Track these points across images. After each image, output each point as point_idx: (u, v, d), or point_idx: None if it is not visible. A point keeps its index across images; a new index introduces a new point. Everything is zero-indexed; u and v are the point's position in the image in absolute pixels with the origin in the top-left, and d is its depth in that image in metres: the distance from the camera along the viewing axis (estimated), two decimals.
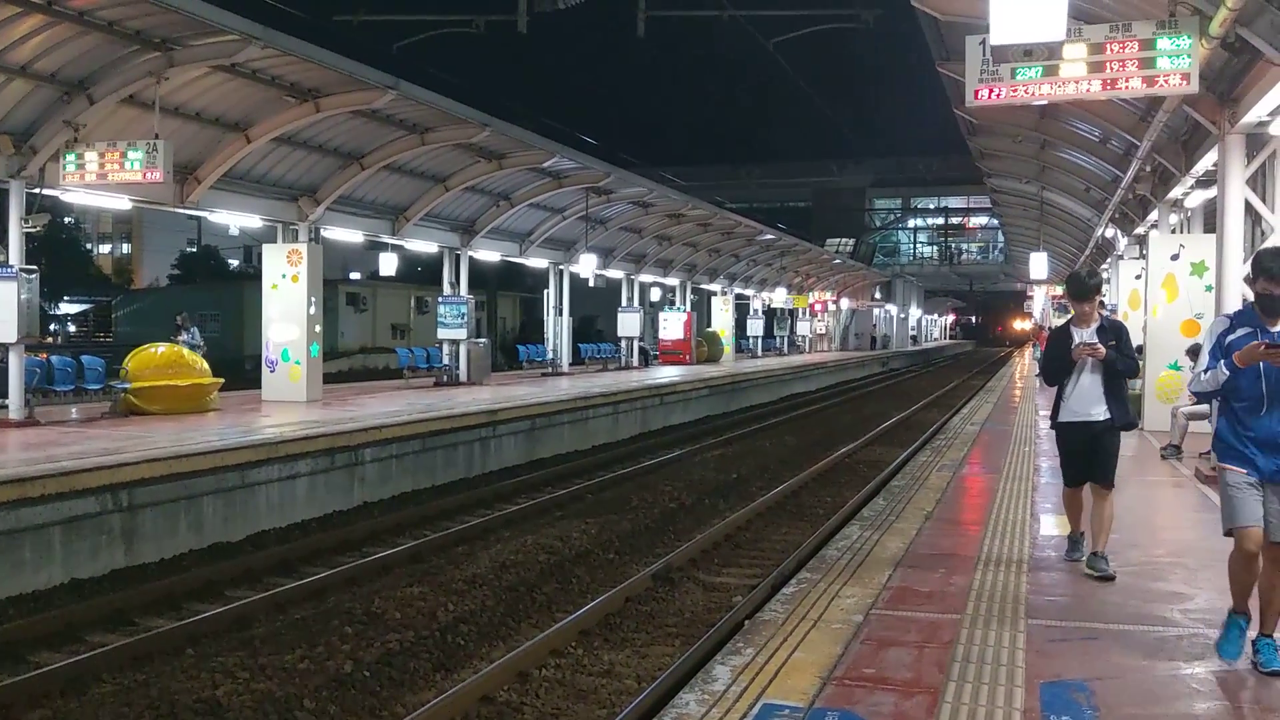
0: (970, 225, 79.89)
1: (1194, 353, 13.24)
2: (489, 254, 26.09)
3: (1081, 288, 7.08)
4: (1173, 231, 16.64)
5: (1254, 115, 9.99)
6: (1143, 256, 17.38)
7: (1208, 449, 11.40)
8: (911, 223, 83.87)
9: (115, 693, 7.38)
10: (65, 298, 60.17)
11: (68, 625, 8.76)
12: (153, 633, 8.53)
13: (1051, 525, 8.92)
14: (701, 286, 42.04)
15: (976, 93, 9.08)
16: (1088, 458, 7.18)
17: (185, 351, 16.52)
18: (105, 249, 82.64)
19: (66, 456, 10.85)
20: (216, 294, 48.71)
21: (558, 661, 7.99)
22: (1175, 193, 15.23)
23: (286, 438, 13.00)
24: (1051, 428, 7.40)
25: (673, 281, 38.46)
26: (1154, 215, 17.18)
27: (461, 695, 7.04)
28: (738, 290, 45.84)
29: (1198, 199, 15.39)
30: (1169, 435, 13.36)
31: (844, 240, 74.05)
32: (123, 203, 16.18)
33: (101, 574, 10.25)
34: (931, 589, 6.67)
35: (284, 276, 18.54)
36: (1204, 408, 12.54)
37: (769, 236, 39.05)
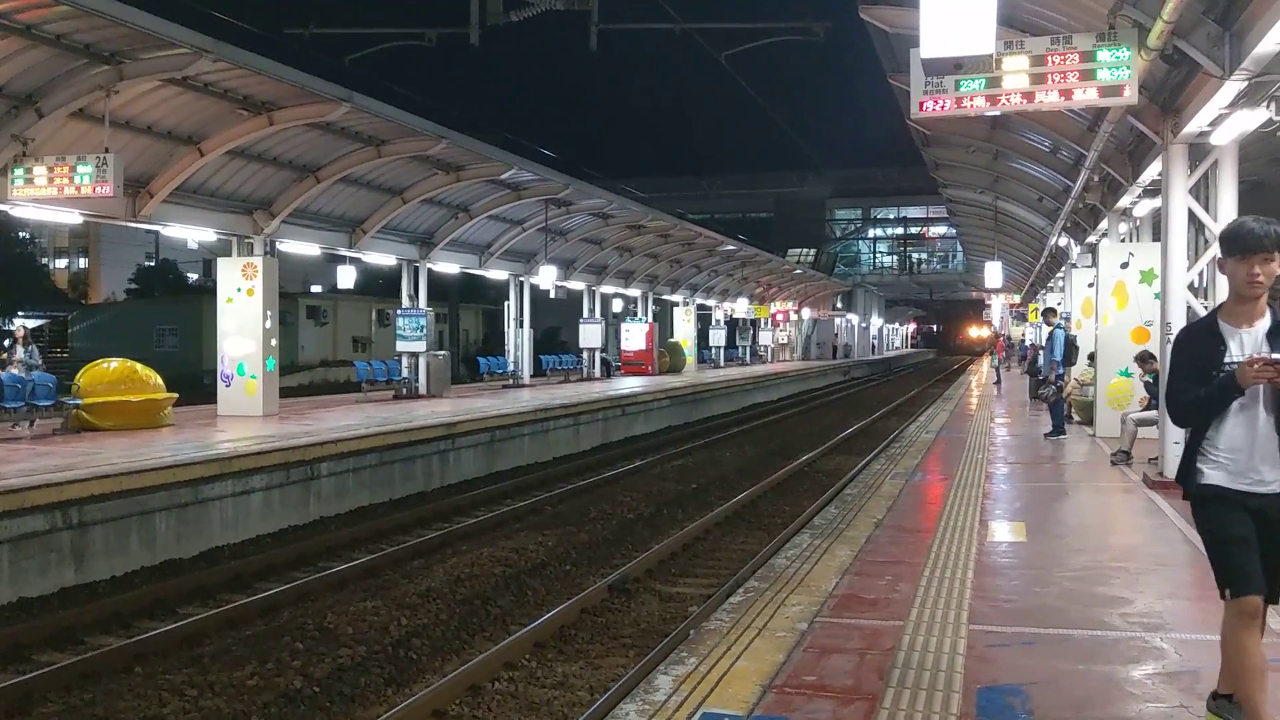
0: (929, 235, 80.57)
1: (1143, 359, 13.51)
2: (448, 266, 26.05)
3: (1251, 239, 4.07)
4: (1122, 240, 16.85)
5: (1195, 125, 10.15)
6: (1094, 265, 17.59)
7: (1156, 455, 11.62)
8: (871, 233, 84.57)
9: (61, 712, 7.32)
10: (20, 313, 59.37)
11: (14, 645, 8.66)
12: (100, 651, 8.44)
13: (1002, 532, 9.02)
14: (663, 297, 42.14)
15: (922, 104, 9.19)
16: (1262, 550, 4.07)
17: (139, 367, 16.35)
18: (61, 263, 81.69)
19: (15, 474, 10.72)
20: (174, 308, 48.26)
21: (511, 674, 7.98)
22: (1124, 202, 15.42)
23: (240, 452, 12.90)
24: (1188, 497, 4.27)
25: (634, 292, 38.53)
26: (1104, 224, 17.39)
27: (412, 709, 7.02)
28: (700, 301, 45.97)
29: (1145, 208, 15.59)
30: (1119, 441, 13.53)
31: (805, 250, 74.45)
32: (73, 217, 16.03)
33: (51, 592, 10.15)
34: (876, 596, 6.73)
35: (239, 290, 18.44)
36: (1152, 414, 12.75)
37: (730, 247, 39.21)
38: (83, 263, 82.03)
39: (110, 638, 9.08)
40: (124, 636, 9.03)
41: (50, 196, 14.00)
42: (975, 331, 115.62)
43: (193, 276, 66.17)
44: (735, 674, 5.17)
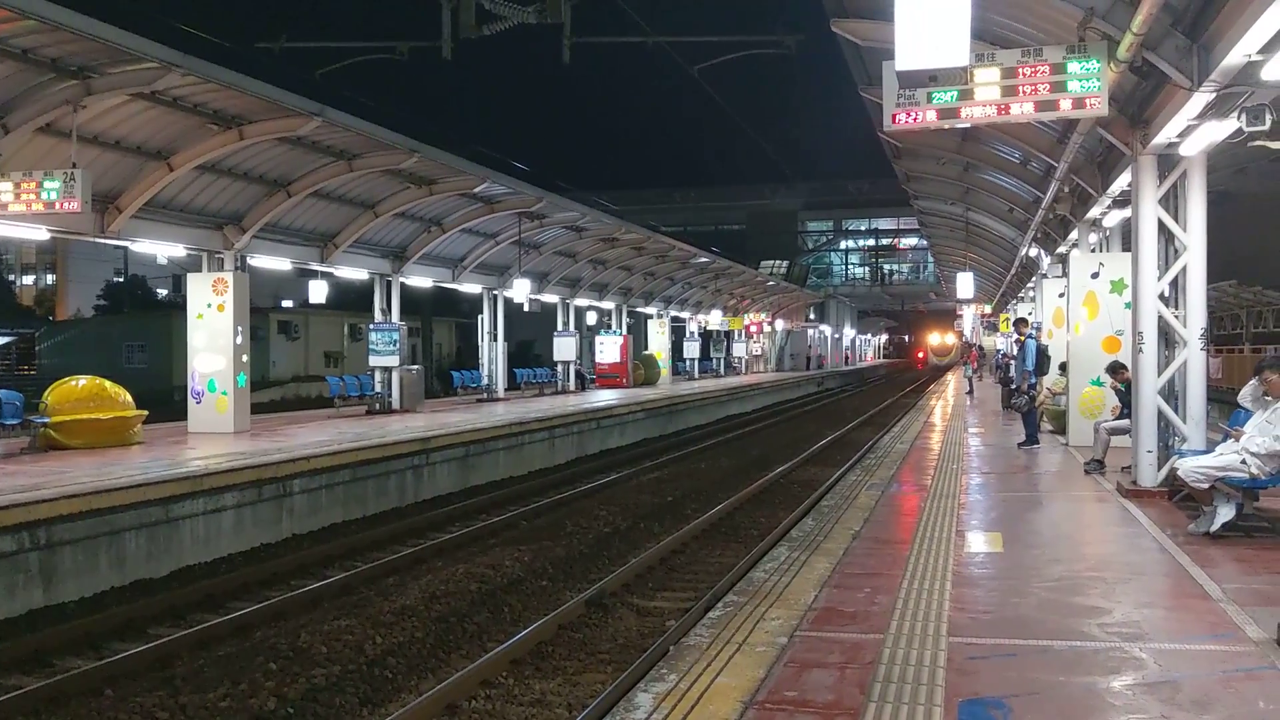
0: (901, 246, 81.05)
1: (1114, 369, 13.60)
2: (421, 280, 25.93)
3: None
4: (1092, 250, 16.97)
5: (1164, 136, 10.22)
6: (1065, 275, 17.71)
7: (1129, 463, 11.68)
8: (843, 244, 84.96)
9: None
10: None
11: None
12: (70, 674, 8.29)
13: (979, 543, 9.01)
14: (637, 310, 42.12)
15: (894, 117, 9.22)
16: None
17: (107, 384, 16.16)
18: (29, 280, 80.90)
19: None
20: (144, 324, 47.89)
21: (488, 692, 7.91)
22: (1094, 212, 15.54)
23: (211, 470, 12.76)
24: None
25: (608, 305, 38.49)
26: (1074, 235, 17.51)
27: None
28: (674, 313, 45.99)
29: (1115, 218, 15.71)
30: (1092, 450, 13.59)
31: (778, 262, 74.68)
32: (40, 233, 15.82)
33: (18, 614, 9.98)
34: (856, 609, 6.70)
35: (209, 306, 18.28)
36: (1125, 423, 12.81)
37: (704, 259, 39.27)
38: (50, 279, 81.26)
39: (80, 660, 8.93)
40: (94, 658, 8.90)
41: (17, 212, 13.82)
42: (936, 339, 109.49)
43: (162, 292, 65.70)
44: (716, 690, 5.13)
